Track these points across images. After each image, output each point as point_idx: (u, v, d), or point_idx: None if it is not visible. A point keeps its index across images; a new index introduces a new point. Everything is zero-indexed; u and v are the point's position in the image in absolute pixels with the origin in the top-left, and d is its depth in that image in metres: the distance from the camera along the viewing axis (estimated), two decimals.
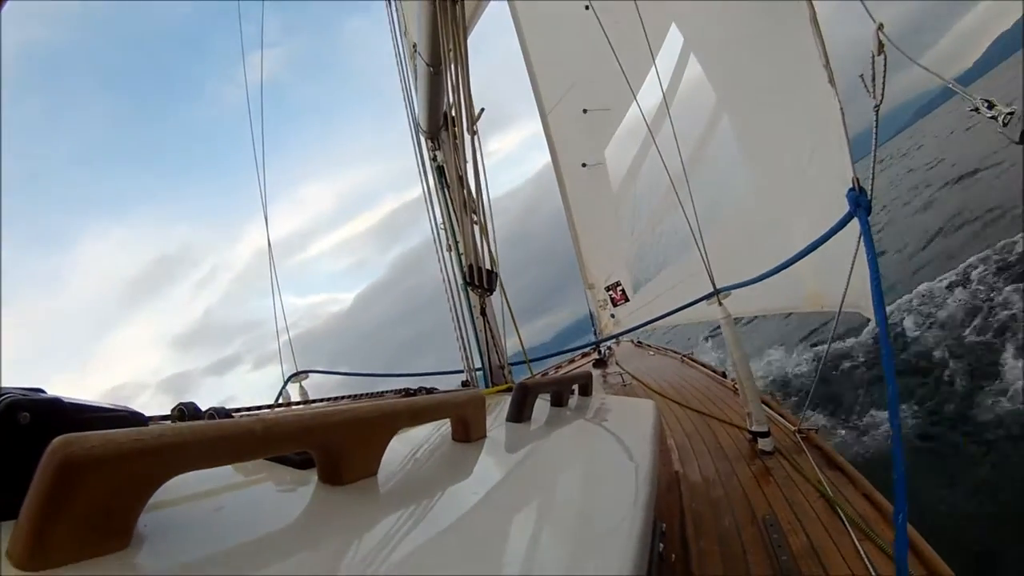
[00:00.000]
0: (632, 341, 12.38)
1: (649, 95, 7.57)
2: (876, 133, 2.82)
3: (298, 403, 2.67)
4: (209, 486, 1.12)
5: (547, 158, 11.14)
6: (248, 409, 2.44)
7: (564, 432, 2.10)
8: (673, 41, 8.44)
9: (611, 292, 10.75)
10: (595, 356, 10.92)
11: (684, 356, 9.59)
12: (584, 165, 10.71)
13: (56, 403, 0.94)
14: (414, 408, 1.43)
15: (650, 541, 1.16)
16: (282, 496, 1.16)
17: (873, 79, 2.67)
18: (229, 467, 1.30)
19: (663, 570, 1.31)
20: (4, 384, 0.98)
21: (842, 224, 3.26)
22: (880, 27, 2.57)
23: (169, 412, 1.77)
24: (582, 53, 9.83)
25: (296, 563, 0.87)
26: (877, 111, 2.73)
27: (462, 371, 4.91)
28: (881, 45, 2.58)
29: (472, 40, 4.68)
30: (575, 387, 2.76)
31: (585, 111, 10.43)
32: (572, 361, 11.33)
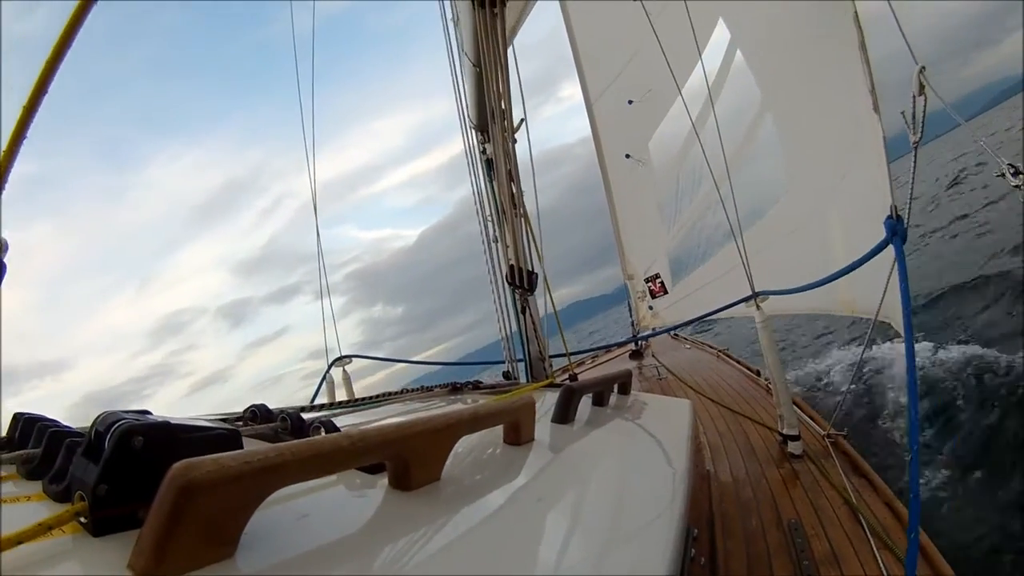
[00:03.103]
0: (668, 333, 12.32)
1: (695, 90, 7.56)
2: (914, 169, 2.92)
3: (348, 402, 2.73)
4: (293, 491, 1.22)
5: None
6: (310, 408, 2.54)
7: (605, 435, 2.22)
8: (719, 38, 8.44)
9: (650, 284, 10.72)
10: (631, 347, 10.94)
11: (719, 351, 9.56)
12: (628, 156, 10.69)
13: (165, 427, 1.03)
14: (476, 416, 1.56)
15: (683, 547, 1.29)
16: (359, 501, 1.28)
17: (913, 118, 2.76)
18: None
19: (693, 574, 1.41)
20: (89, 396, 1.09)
21: (878, 250, 3.36)
22: (922, 70, 2.66)
23: (242, 412, 1.90)
24: (628, 44, 9.81)
25: (380, 566, 1.00)
26: (916, 148, 2.84)
27: (503, 362, 5.04)
28: (922, 86, 2.67)
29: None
30: (615, 385, 2.86)
31: (631, 102, 10.40)
32: (608, 351, 11.33)
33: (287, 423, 1.69)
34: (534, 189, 4.30)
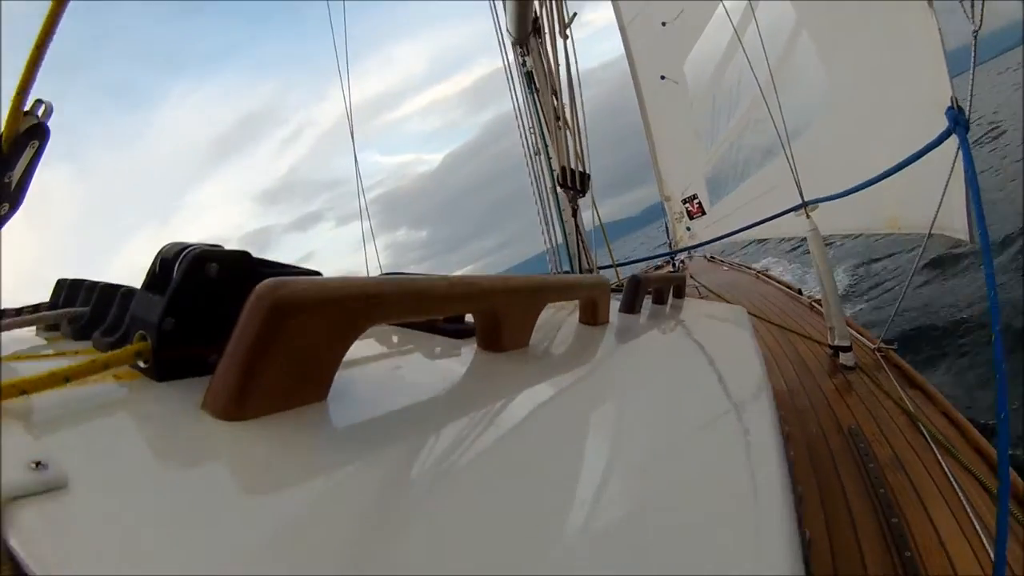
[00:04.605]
0: (705, 256, 12.15)
1: (724, 13, 7.36)
2: (975, 57, 2.83)
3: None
4: (381, 350, 1.15)
5: None
6: None
7: (675, 327, 2.16)
8: None
9: (687, 205, 10.59)
10: (668, 269, 10.72)
11: (759, 272, 9.44)
12: (663, 78, 10.50)
13: (244, 256, 0.89)
14: (563, 284, 1.50)
15: (783, 445, 1.19)
16: (451, 360, 1.18)
17: (972, 4, 2.67)
18: (393, 336, 1.33)
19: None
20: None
21: (940, 140, 3.27)
22: None
23: None
24: None
25: (479, 425, 0.86)
26: (975, 36, 2.75)
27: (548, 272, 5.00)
28: None
29: None
30: (672, 286, 2.81)
31: (664, 24, 10.19)
32: (644, 272, 11.17)
33: None
34: (580, 94, 4.19)
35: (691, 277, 9.59)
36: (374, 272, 5.87)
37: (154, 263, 0.89)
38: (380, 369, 1.03)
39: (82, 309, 1.12)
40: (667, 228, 11.23)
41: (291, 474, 0.61)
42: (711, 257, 11.91)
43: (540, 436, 0.85)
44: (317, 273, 1.01)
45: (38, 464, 0.51)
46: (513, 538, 0.54)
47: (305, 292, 0.71)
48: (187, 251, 0.85)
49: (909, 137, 5.25)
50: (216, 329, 0.80)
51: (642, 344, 1.71)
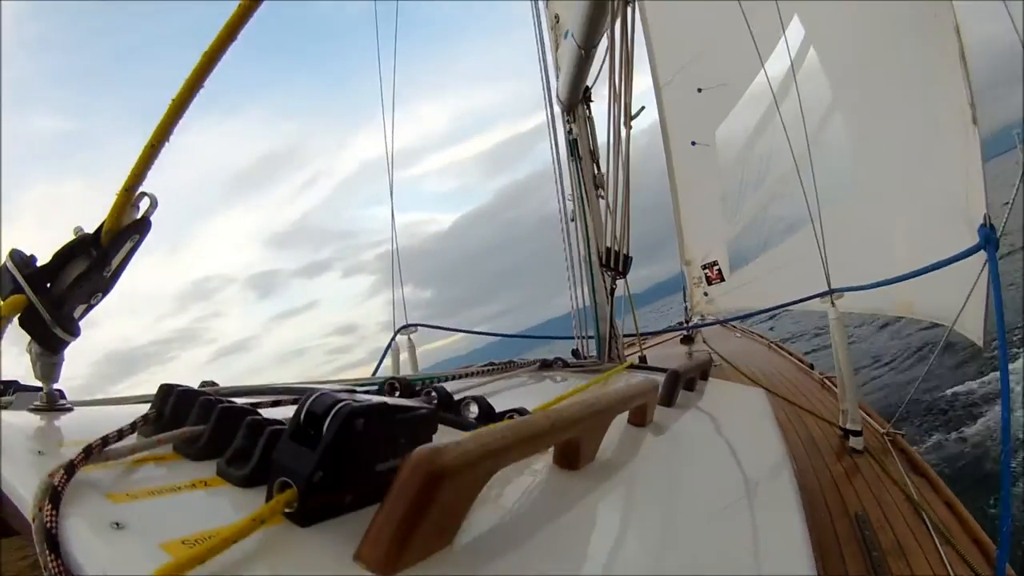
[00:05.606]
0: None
1: (764, 85, 7.53)
2: (1020, 184, 2.97)
3: (451, 374, 2.65)
4: None
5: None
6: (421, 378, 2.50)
7: (708, 420, 2.33)
8: (793, 34, 8.33)
9: (707, 271, 10.65)
10: (683, 332, 10.78)
11: (771, 342, 9.51)
12: (693, 143, 10.63)
13: (384, 408, 0.96)
14: (626, 397, 1.69)
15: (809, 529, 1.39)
16: (536, 481, 1.28)
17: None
18: None
19: None
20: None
21: (967, 254, 3.42)
22: None
23: (380, 383, 1.93)
24: (701, 31, 9.76)
25: (579, 549, 1.03)
26: None
27: (570, 338, 5.11)
28: None
29: None
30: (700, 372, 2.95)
31: (700, 90, 10.32)
32: (657, 335, 11.23)
33: (432, 396, 1.66)
34: (627, 178, 4.26)
35: (704, 342, 9.68)
36: (399, 321, 6.01)
37: (298, 412, 0.94)
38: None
39: (197, 428, 1.14)
40: (685, 292, 11.30)
41: None
42: (723, 322, 11.96)
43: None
44: (432, 411, 1.09)
45: None
46: None
47: (456, 459, 0.83)
48: (338, 408, 0.90)
49: (932, 229, 5.38)
50: (353, 474, 0.92)
51: (685, 444, 1.93)
